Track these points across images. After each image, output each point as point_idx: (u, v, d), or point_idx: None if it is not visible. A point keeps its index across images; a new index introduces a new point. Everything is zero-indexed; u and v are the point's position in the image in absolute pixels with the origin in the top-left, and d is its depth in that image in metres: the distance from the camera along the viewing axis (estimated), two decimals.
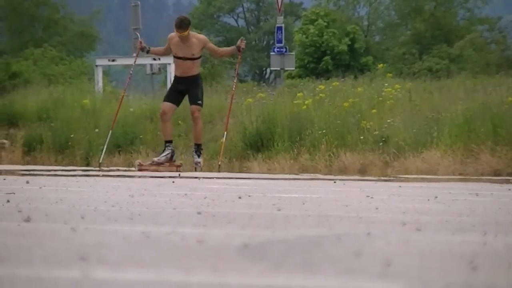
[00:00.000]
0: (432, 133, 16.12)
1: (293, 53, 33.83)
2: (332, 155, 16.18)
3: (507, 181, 12.34)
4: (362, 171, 15.86)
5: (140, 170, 14.76)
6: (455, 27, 39.46)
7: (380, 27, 46.49)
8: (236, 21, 58.22)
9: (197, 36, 14.66)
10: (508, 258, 3.17)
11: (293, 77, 40.46)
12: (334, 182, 11.35)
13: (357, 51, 44.66)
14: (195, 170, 14.78)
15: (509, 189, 9.54)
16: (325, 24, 44.61)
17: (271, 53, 30.38)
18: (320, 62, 44.16)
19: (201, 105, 14.51)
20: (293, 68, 35.40)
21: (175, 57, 14.64)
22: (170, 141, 14.82)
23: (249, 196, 7.23)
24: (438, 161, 15.44)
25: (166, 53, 15.41)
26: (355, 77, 21.89)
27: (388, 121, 17.20)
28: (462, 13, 42.12)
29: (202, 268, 2.79)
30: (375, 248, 3.40)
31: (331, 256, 3.20)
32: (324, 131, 16.59)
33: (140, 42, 15.13)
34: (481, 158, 15.09)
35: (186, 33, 14.13)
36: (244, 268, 2.82)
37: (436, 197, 7.47)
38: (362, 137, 17.02)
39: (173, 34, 14.33)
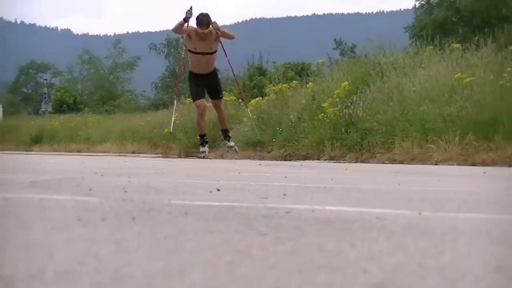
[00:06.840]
0: None
1: None
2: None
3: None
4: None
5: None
6: None
7: None
8: None
9: (211, 30, 8.94)
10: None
11: None
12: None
13: None
14: (233, 152, 10.00)
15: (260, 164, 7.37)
16: None
17: None
18: None
19: (222, 97, 9.84)
20: None
21: (193, 52, 9.06)
22: (205, 134, 9.69)
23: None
24: None
25: (183, 33, 9.14)
26: None
27: None
28: None
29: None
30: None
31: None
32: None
33: (190, 13, 8.99)
34: None
35: (208, 30, 8.84)
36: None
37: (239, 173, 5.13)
38: None
39: (192, 28, 8.96)
